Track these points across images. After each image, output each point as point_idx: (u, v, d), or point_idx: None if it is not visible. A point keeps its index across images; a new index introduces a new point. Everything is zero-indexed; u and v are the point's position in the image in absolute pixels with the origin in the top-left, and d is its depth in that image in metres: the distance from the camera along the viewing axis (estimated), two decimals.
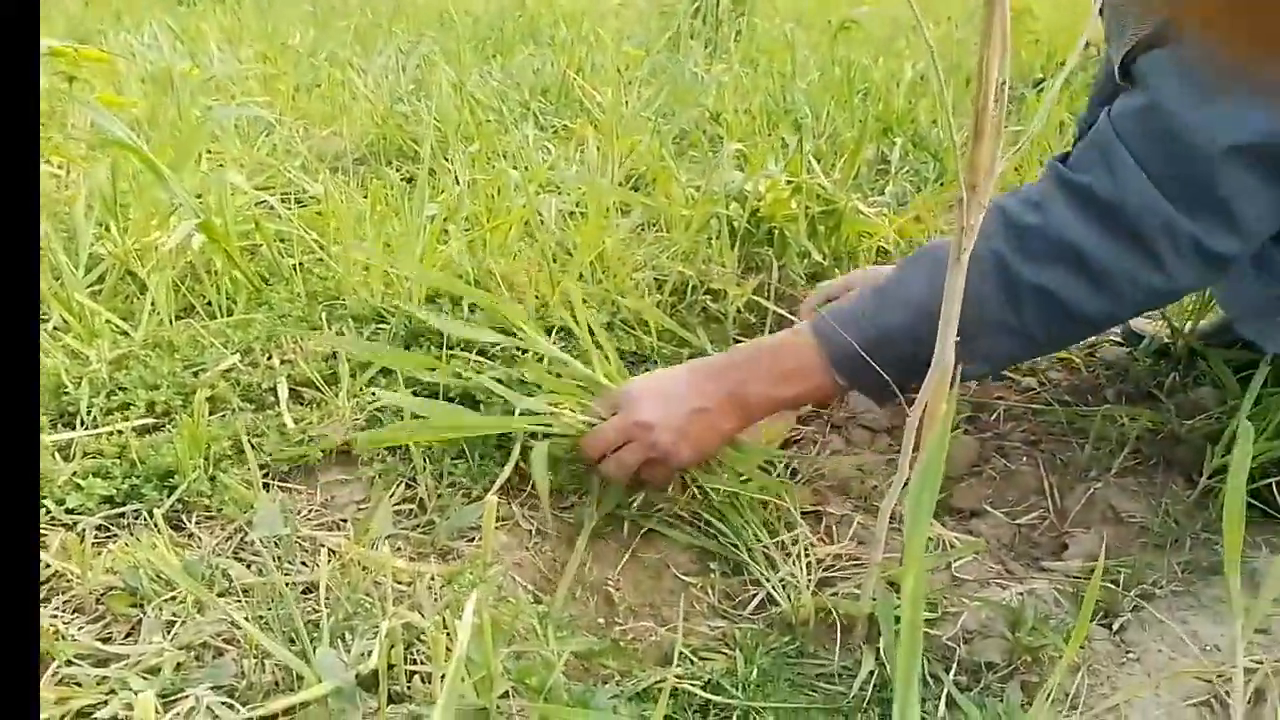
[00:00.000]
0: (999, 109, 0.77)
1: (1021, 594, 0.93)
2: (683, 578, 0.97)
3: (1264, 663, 0.79)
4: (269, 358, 1.10)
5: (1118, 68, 0.91)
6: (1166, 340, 1.31)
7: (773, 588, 0.93)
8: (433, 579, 0.81)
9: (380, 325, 1.14)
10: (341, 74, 2.17)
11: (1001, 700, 0.80)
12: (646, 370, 1.21)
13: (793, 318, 1.44)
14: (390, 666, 0.69)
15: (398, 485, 0.96)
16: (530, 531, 0.98)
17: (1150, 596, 0.93)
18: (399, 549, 0.88)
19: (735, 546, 0.98)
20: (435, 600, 0.80)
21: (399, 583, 0.82)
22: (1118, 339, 1.38)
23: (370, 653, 0.67)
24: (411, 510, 0.95)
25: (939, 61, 0.71)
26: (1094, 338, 1.40)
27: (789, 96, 2.28)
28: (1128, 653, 0.86)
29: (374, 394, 1.01)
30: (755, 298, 1.41)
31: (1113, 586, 0.94)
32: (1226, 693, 0.79)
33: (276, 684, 0.70)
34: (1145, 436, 1.16)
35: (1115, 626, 0.89)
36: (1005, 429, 1.23)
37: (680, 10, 3.13)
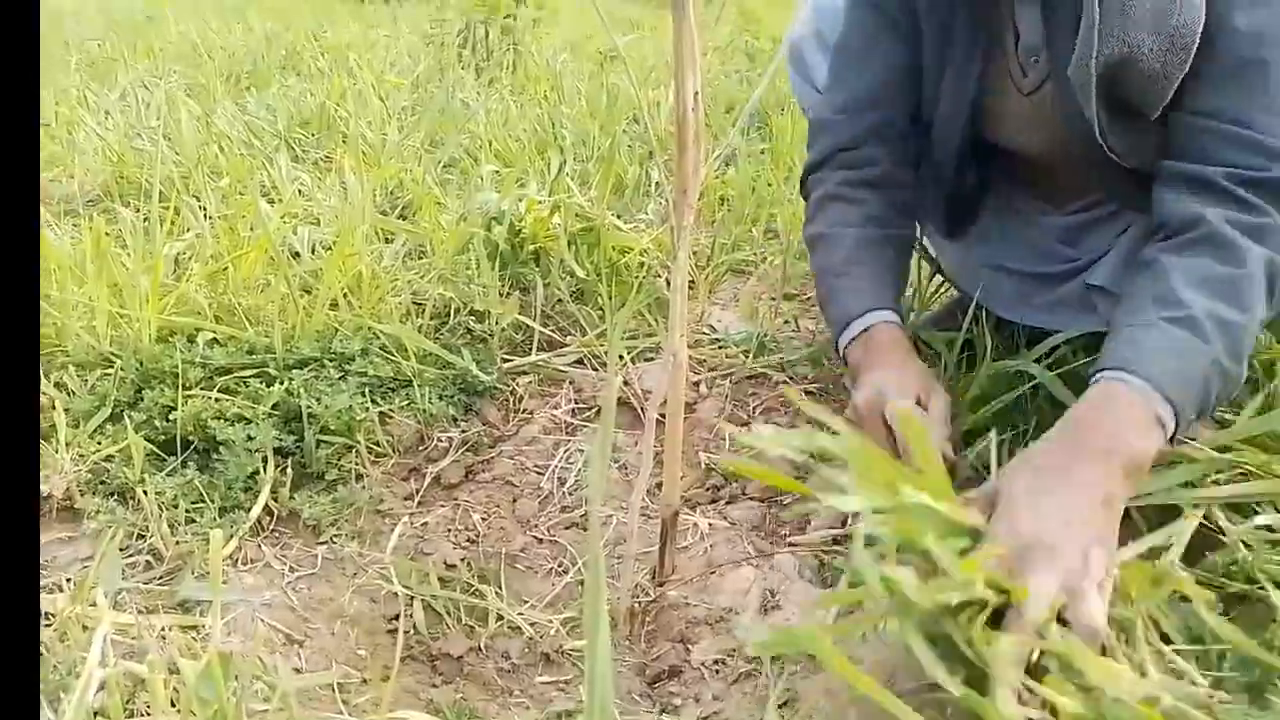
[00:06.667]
0: (697, 117, 0.84)
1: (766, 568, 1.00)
2: None
3: None
4: None
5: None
6: None
7: None
8: (164, 629, 0.77)
9: (107, 371, 1.06)
10: (70, 111, 2.01)
11: None
12: (408, 399, 1.19)
13: (557, 336, 1.48)
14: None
15: (128, 538, 0.90)
16: (283, 571, 0.94)
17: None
18: (128, 603, 0.82)
19: None
20: (166, 649, 0.75)
21: (128, 637, 0.76)
22: None
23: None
24: (147, 563, 0.90)
25: (636, 83, 0.76)
26: None
27: (555, 122, 2.34)
28: None
29: (98, 444, 0.94)
30: (521, 317, 1.43)
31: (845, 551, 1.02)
32: None
33: None
34: None
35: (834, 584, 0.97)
36: (759, 421, 1.31)
37: (449, 41, 3.14)
